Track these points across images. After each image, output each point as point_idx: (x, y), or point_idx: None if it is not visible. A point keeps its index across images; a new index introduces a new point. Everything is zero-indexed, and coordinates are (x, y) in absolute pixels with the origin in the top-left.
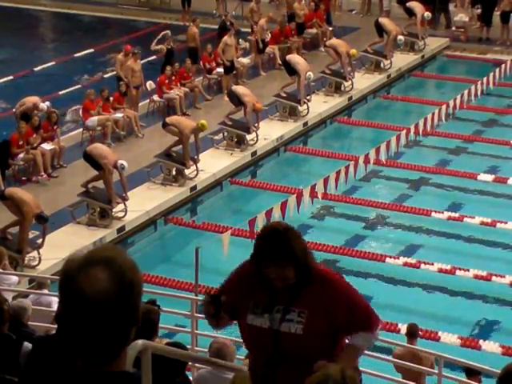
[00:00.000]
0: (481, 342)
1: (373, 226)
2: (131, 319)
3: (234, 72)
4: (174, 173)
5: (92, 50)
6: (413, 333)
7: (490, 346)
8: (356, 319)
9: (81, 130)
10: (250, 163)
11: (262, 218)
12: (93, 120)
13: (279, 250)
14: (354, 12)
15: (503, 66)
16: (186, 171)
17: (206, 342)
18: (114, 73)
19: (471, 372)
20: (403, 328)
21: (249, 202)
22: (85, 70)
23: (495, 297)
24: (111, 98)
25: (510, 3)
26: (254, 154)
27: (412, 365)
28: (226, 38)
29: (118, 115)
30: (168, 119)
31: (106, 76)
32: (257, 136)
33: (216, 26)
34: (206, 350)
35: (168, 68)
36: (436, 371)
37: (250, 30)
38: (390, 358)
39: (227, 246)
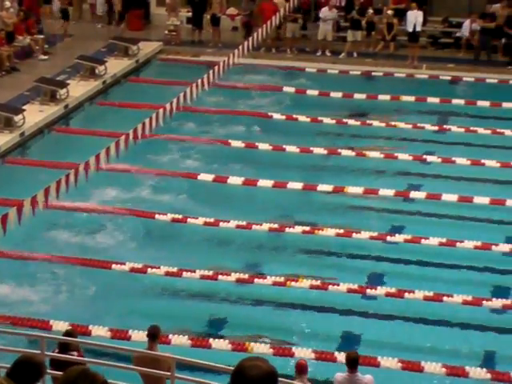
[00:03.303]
0: (211, 340)
1: (94, 232)
2: None
3: None
4: None
5: None
6: (153, 334)
7: (220, 343)
8: None
9: None
10: None
11: None
12: None
13: None
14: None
15: (216, 67)
16: None
17: None
18: None
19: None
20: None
21: None
22: None
23: (221, 295)
24: None
25: (220, 6)
26: None
27: (145, 369)
28: None
29: None
30: None
31: None
32: None
33: None
34: None
35: None
36: (169, 373)
37: None
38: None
39: None
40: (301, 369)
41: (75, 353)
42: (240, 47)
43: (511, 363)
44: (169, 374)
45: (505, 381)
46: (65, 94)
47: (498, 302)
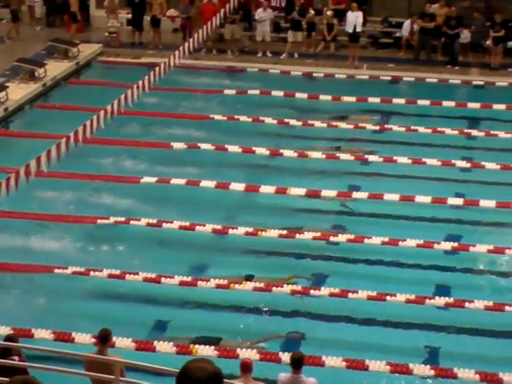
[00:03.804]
0: (155, 343)
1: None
2: None
3: None
4: None
5: None
6: (104, 337)
7: (164, 346)
8: None
9: None
10: None
11: None
12: None
13: None
14: (4, 21)
15: (157, 68)
16: None
17: None
18: None
19: None
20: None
21: None
22: None
23: (164, 297)
24: None
25: (160, 8)
26: None
27: (90, 373)
28: None
29: None
30: None
31: None
32: None
33: None
34: None
35: None
36: (113, 377)
37: None
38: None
39: None
40: (245, 367)
41: (16, 357)
42: (180, 48)
43: (454, 359)
44: (113, 377)
45: (448, 377)
46: (4, 97)
47: (440, 300)
